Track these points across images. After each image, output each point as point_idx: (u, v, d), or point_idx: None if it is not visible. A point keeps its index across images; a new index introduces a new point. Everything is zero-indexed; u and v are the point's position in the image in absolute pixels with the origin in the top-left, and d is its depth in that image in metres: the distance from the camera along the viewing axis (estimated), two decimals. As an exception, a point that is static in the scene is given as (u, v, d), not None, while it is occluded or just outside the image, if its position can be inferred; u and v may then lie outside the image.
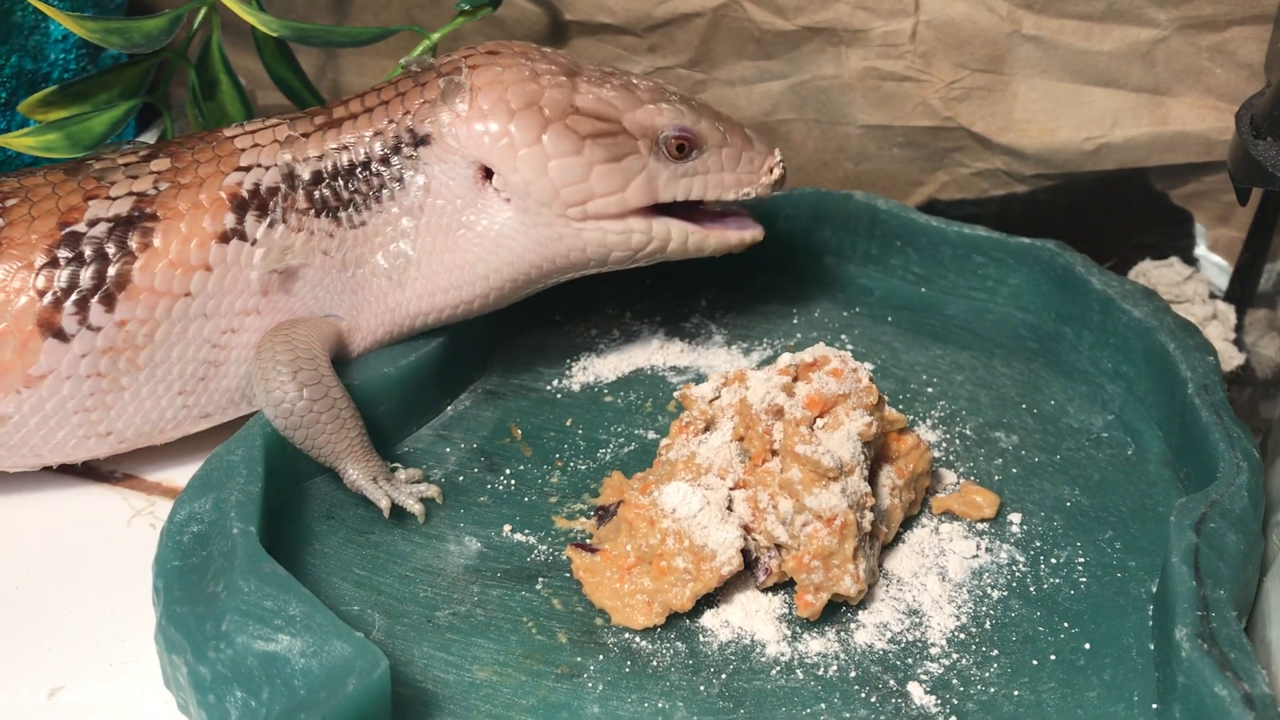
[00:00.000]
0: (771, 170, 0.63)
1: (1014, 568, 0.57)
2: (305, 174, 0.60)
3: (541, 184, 0.59)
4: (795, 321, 0.72)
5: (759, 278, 0.75)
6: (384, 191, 0.61)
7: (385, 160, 0.61)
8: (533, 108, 0.59)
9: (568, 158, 0.59)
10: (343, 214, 0.61)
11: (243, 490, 0.53)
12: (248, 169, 0.60)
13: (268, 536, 0.53)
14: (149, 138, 0.83)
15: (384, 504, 0.58)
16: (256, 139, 0.61)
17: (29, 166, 0.64)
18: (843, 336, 0.71)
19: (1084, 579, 0.56)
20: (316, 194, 0.60)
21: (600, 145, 0.59)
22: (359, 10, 0.84)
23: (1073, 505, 0.60)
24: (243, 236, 0.59)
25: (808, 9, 0.77)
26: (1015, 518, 0.59)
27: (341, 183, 0.60)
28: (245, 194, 0.59)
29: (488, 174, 0.60)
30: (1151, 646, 0.53)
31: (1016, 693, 0.51)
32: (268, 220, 0.59)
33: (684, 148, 0.61)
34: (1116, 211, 0.80)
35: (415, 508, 0.58)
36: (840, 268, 0.76)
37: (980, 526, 0.59)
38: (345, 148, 0.61)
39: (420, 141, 0.60)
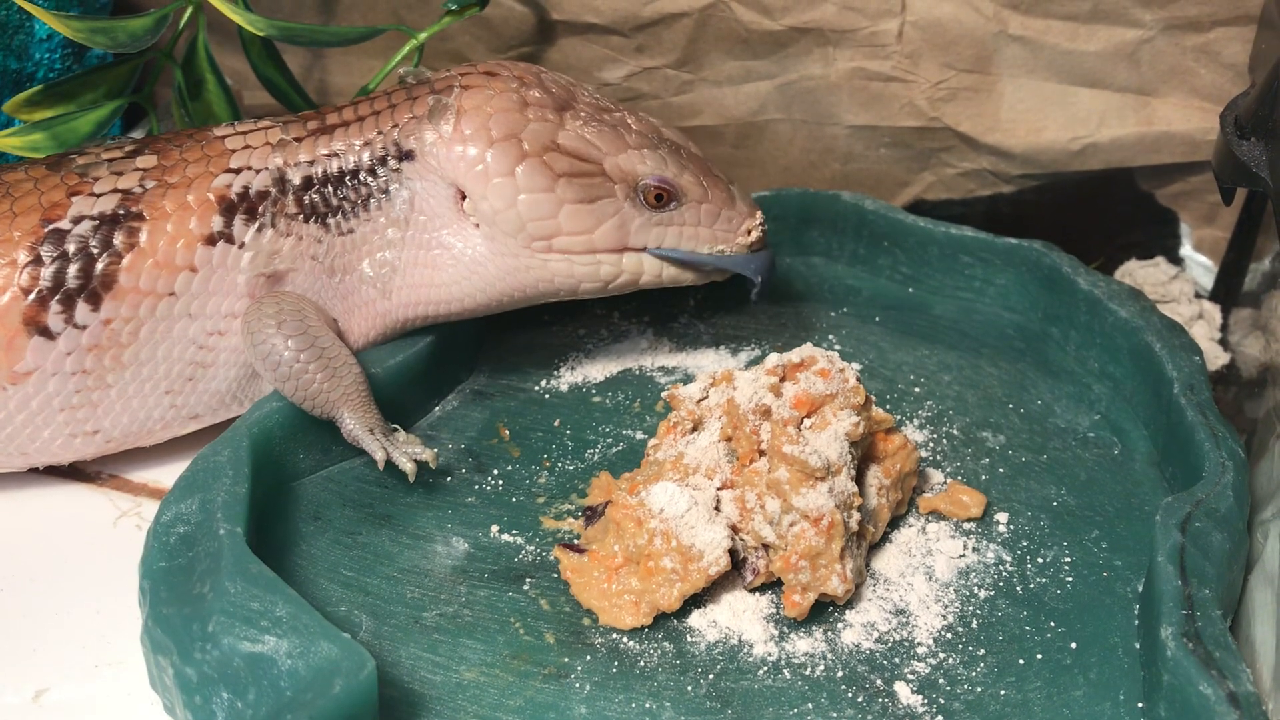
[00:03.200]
0: (750, 232, 0.62)
1: (1001, 567, 0.57)
2: (296, 179, 0.60)
3: (509, 215, 0.59)
4: (783, 322, 0.72)
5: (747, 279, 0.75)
6: (371, 201, 0.60)
7: (373, 171, 0.60)
8: (512, 139, 0.59)
9: (538, 193, 0.59)
10: (331, 220, 0.60)
11: (229, 491, 0.53)
12: (237, 171, 0.60)
13: (254, 537, 0.53)
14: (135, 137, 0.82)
15: (379, 455, 0.58)
16: (248, 140, 0.61)
17: (10, 164, 0.64)
18: (830, 337, 0.71)
19: (1070, 578, 0.57)
20: (306, 199, 0.60)
21: (575, 185, 0.59)
22: (346, 10, 0.84)
23: (1059, 505, 0.60)
24: (230, 239, 0.59)
25: (795, 9, 0.77)
26: (1002, 517, 0.60)
27: (331, 189, 0.60)
28: (234, 197, 0.59)
29: (464, 197, 0.60)
30: (1137, 645, 0.53)
31: (1003, 692, 0.52)
32: (256, 224, 0.59)
33: (662, 197, 0.60)
34: (1102, 211, 0.80)
35: (408, 466, 0.58)
36: (828, 268, 0.76)
37: (967, 526, 0.59)
38: (335, 155, 0.61)
39: (405, 156, 0.60)
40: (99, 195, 0.59)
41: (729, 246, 0.62)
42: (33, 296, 0.57)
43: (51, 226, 0.58)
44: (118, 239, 0.58)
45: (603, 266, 0.61)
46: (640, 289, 0.63)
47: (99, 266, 0.58)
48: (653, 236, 0.61)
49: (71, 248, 0.57)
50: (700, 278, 0.63)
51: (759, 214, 0.63)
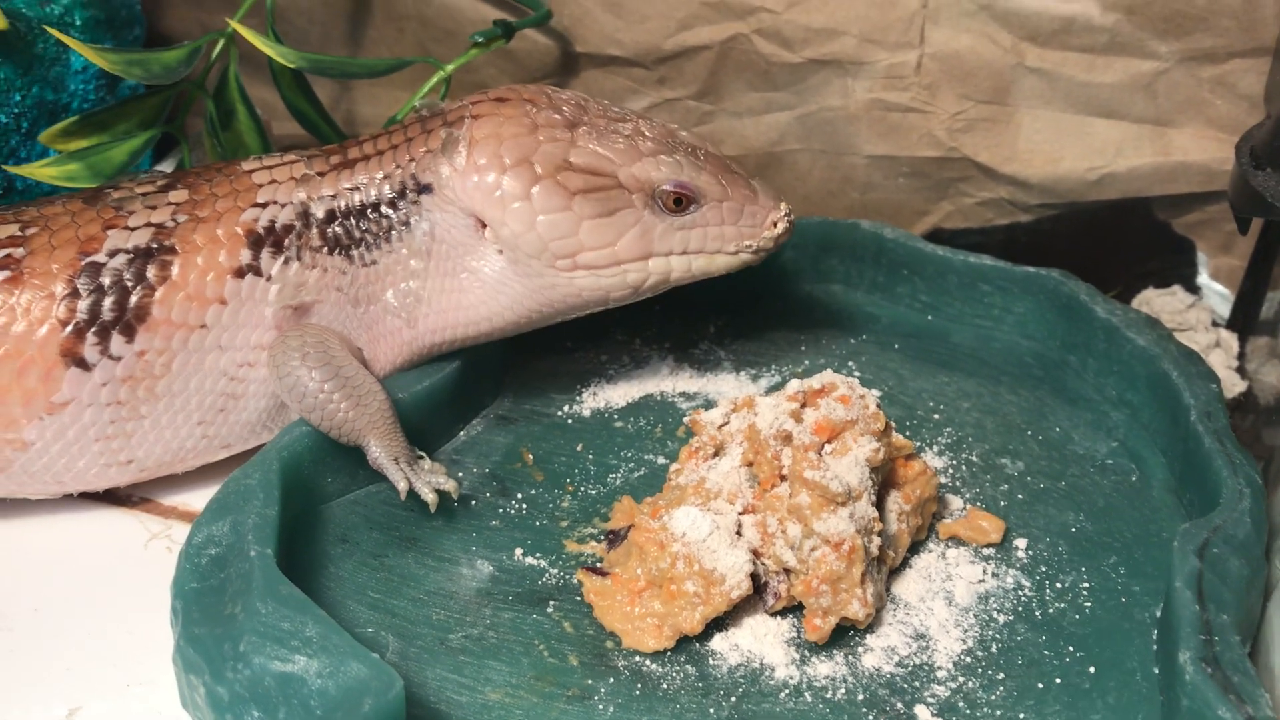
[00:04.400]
0: (776, 224, 0.62)
1: (1020, 592, 0.58)
2: (319, 212, 0.61)
3: (529, 238, 0.59)
4: (803, 349, 0.73)
5: (767, 305, 0.76)
6: (393, 233, 0.61)
7: (393, 204, 0.61)
8: (524, 164, 0.59)
9: (556, 213, 0.59)
10: (354, 253, 0.61)
11: (260, 514, 0.54)
12: (264, 205, 0.61)
13: (284, 559, 0.54)
14: (166, 167, 0.84)
15: (401, 485, 0.58)
16: (274, 175, 0.62)
17: (48, 195, 0.65)
18: (850, 364, 0.71)
19: (1089, 603, 0.57)
20: (330, 232, 0.61)
21: (591, 200, 0.59)
22: (373, 42, 0.85)
23: (1078, 531, 0.61)
24: (258, 272, 0.60)
25: (814, 41, 0.78)
26: (1021, 543, 0.60)
27: (353, 222, 0.61)
28: (261, 230, 0.60)
29: (485, 225, 0.61)
30: (1156, 670, 0.53)
31: (1022, 715, 0.52)
32: (282, 257, 0.61)
33: (681, 201, 0.60)
34: (1120, 240, 0.80)
35: (429, 496, 0.59)
36: (847, 295, 0.77)
37: (986, 551, 0.60)
38: (357, 189, 0.62)
39: (423, 190, 0.61)
40: (133, 229, 0.60)
41: (756, 242, 0.62)
42: (70, 328, 0.58)
43: (88, 260, 0.59)
44: (151, 272, 0.59)
45: (629, 274, 0.61)
46: (675, 285, 0.63)
47: (133, 299, 0.59)
48: (676, 241, 0.61)
49: (107, 280, 0.59)
50: (731, 264, 0.63)
51: (784, 204, 0.63)
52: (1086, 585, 0.58)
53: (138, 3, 0.82)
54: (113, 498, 0.64)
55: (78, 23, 0.76)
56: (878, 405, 0.58)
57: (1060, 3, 0.74)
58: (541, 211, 0.59)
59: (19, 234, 0.60)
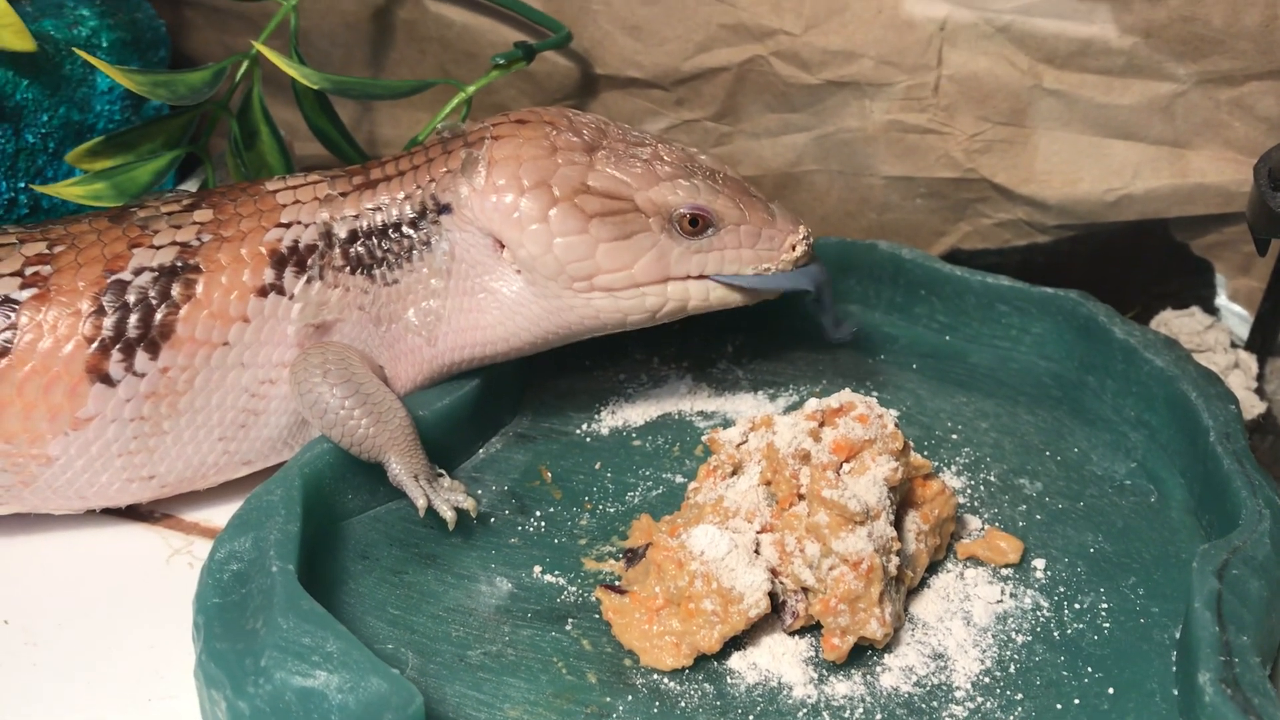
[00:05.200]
0: (794, 247, 0.62)
1: (1038, 613, 0.58)
2: (342, 232, 0.62)
3: (546, 259, 0.60)
4: (820, 368, 0.73)
5: (785, 325, 0.76)
6: (414, 253, 0.62)
7: (414, 224, 0.62)
8: (542, 186, 0.60)
9: (572, 236, 0.60)
10: (376, 272, 0.62)
11: (282, 529, 0.55)
12: (288, 225, 0.62)
13: (305, 575, 0.54)
14: (190, 186, 0.85)
15: (420, 502, 0.59)
16: (298, 195, 0.63)
17: (74, 213, 0.66)
18: (867, 383, 0.72)
19: (1108, 624, 0.57)
20: (352, 252, 0.62)
21: (608, 223, 0.60)
22: (395, 63, 0.86)
23: (1096, 551, 0.61)
24: (280, 291, 0.61)
25: (832, 64, 0.78)
26: (1039, 563, 0.60)
27: (375, 242, 0.62)
28: (285, 250, 0.61)
29: (503, 245, 0.61)
30: (1175, 692, 0.53)
31: (1041, 736, 0.52)
32: (305, 276, 0.61)
33: (698, 223, 0.61)
34: (1138, 262, 0.81)
35: (448, 514, 0.59)
36: (865, 316, 0.77)
37: (1005, 572, 0.60)
38: (378, 209, 0.62)
39: (443, 209, 0.62)
40: (158, 248, 0.60)
41: (774, 265, 0.62)
42: (95, 345, 0.59)
43: (114, 277, 0.59)
44: (175, 290, 0.60)
45: (648, 298, 0.62)
46: (690, 314, 0.63)
47: (158, 316, 0.59)
48: (694, 264, 0.62)
49: (132, 298, 0.59)
50: (751, 297, 0.63)
51: (802, 228, 0.63)
52: (1105, 606, 0.58)
53: (163, 25, 0.83)
54: (135, 514, 0.65)
55: (104, 44, 0.77)
56: (896, 425, 0.58)
57: (1078, 25, 0.75)
58: (558, 234, 0.60)
59: (46, 252, 0.60)
